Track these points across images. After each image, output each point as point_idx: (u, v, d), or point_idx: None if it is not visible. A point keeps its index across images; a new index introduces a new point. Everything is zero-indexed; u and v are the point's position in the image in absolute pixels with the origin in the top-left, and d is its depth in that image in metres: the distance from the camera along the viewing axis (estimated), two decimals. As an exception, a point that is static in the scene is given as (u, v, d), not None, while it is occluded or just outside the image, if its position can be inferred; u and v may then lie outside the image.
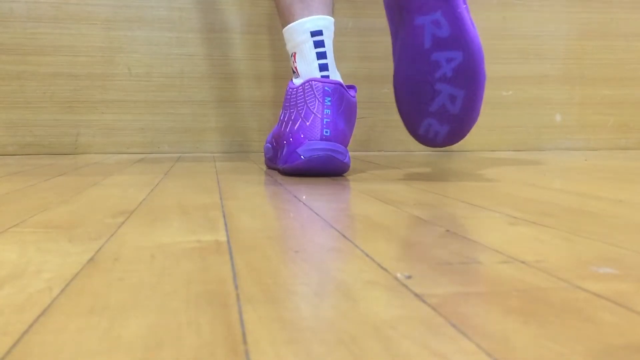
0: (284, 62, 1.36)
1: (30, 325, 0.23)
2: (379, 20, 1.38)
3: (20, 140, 1.28)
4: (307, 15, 0.85)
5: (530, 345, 0.21)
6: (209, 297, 0.27)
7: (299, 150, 0.76)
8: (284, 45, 0.89)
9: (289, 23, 0.87)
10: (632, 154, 1.31)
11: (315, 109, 0.77)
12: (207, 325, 0.23)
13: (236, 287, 0.28)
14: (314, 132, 0.76)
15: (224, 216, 0.48)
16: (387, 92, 1.35)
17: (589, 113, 1.49)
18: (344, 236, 0.40)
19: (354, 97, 0.83)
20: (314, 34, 0.85)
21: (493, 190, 0.66)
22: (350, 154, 1.31)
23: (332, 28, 0.87)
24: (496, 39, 1.43)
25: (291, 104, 0.81)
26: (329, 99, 0.77)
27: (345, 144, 0.79)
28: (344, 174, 0.82)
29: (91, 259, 0.34)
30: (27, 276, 0.30)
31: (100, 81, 1.30)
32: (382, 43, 1.38)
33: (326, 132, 0.76)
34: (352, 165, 1.00)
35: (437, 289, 0.28)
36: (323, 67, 0.84)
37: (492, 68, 1.44)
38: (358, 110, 1.38)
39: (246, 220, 0.47)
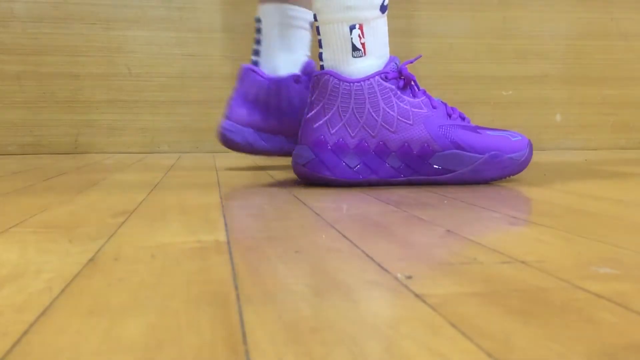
0: (284, 62, 1.36)
1: (30, 325, 0.23)
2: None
3: (20, 140, 1.28)
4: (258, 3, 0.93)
5: (530, 345, 0.21)
6: (209, 297, 0.27)
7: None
8: None
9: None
10: (632, 154, 1.31)
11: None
12: (207, 326, 0.23)
13: (236, 287, 0.28)
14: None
15: (224, 216, 0.48)
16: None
17: (589, 113, 1.49)
18: (344, 236, 0.40)
19: (263, 78, 0.89)
20: (256, 20, 0.92)
21: (493, 190, 0.66)
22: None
23: (275, 16, 0.90)
24: (496, 39, 1.43)
25: None
26: (237, 81, 0.90)
27: (243, 122, 0.88)
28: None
29: (91, 259, 0.34)
30: (27, 276, 0.30)
31: (100, 81, 1.30)
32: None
33: (226, 112, 0.89)
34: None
35: (437, 289, 0.28)
36: (255, 53, 0.92)
37: (492, 68, 1.44)
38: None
39: (246, 220, 0.47)
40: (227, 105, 0.89)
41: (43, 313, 0.25)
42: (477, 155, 0.70)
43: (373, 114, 0.69)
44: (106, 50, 1.29)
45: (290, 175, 0.82)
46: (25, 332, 0.23)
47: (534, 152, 1.39)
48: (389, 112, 0.69)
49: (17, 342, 0.22)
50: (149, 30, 1.31)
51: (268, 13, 0.90)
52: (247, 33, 1.35)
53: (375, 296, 0.27)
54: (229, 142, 0.88)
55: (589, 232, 0.41)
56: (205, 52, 1.33)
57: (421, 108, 0.70)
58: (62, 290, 0.28)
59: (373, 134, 0.69)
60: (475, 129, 0.72)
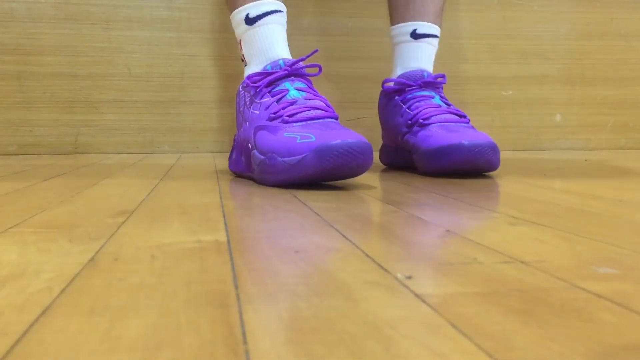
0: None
1: (30, 325, 0.23)
2: (379, 20, 1.37)
3: (20, 140, 1.28)
4: None
5: (530, 345, 0.21)
6: (209, 297, 0.27)
7: None
8: None
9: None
10: (632, 154, 1.31)
11: None
12: (207, 325, 0.23)
13: (236, 287, 0.28)
14: None
15: (224, 216, 0.48)
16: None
17: (589, 113, 1.49)
18: (344, 236, 0.40)
19: None
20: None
21: (493, 190, 0.66)
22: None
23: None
24: (496, 39, 1.43)
25: None
26: None
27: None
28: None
29: (91, 259, 0.34)
30: (27, 276, 0.30)
31: (100, 81, 1.29)
32: (382, 43, 1.37)
33: None
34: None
35: (437, 289, 0.28)
36: None
37: (492, 68, 1.44)
38: (359, 111, 1.39)
39: (246, 220, 0.47)
40: None
41: (43, 313, 0.25)
42: (260, 156, 0.69)
43: (238, 115, 0.80)
44: (106, 50, 1.29)
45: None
46: (25, 332, 0.23)
47: (534, 152, 1.39)
48: (240, 114, 0.79)
49: (17, 342, 0.22)
50: (149, 30, 1.31)
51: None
52: (247, 33, 1.35)
53: (375, 296, 0.27)
54: None
55: (589, 232, 0.41)
56: (205, 52, 1.33)
57: (256, 110, 0.74)
58: (62, 290, 0.28)
59: (238, 133, 0.79)
60: (277, 130, 0.67)
